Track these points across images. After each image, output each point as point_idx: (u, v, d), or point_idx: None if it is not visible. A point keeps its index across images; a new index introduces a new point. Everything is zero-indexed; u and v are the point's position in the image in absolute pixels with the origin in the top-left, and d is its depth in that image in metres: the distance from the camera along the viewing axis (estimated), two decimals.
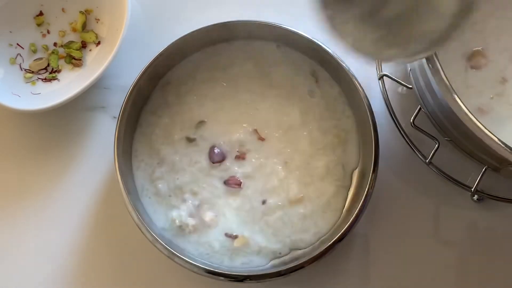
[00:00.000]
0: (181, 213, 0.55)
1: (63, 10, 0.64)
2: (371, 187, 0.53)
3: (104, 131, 0.62)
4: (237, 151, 0.58)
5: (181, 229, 0.55)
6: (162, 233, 0.55)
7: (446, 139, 0.57)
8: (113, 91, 0.63)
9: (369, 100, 0.55)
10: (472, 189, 0.56)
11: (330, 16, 0.44)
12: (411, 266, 0.58)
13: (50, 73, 0.62)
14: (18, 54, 0.62)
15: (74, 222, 0.59)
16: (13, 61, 0.62)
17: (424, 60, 0.49)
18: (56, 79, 0.62)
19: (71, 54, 0.63)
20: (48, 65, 0.63)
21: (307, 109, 0.59)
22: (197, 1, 0.66)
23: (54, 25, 0.64)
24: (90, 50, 0.63)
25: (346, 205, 0.56)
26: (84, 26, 0.64)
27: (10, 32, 0.63)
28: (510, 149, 0.46)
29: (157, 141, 0.58)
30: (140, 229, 0.52)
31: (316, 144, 0.58)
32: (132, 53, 0.63)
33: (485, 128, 0.46)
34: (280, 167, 0.57)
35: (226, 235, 0.55)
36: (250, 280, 0.51)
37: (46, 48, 0.63)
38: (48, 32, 0.64)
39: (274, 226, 0.55)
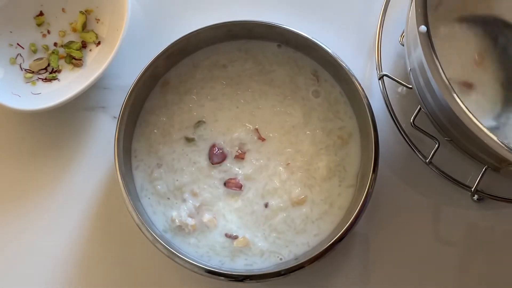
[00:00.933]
0: (181, 214, 0.55)
1: (63, 10, 0.64)
2: (371, 187, 0.53)
3: (104, 131, 0.62)
4: (237, 151, 0.58)
5: (181, 229, 0.55)
6: (161, 233, 0.55)
7: (446, 139, 0.57)
8: (113, 91, 0.63)
9: (369, 100, 0.55)
10: (472, 189, 0.56)
11: None
12: (411, 266, 0.58)
13: (50, 73, 0.62)
14: (18, 54, 0.63)
15: (74, 222, 0.59)
16: (13, 61, 0.62)
17: (424, 60, 0.49)
18: (56, 79, 0.62)
19: (71, 54, 0.63)
20: (48, 65, 0.63)
21: (311, 109, 0.59)
22: (197, 1, 0.66)
23: (54, 25, 0.64)
24: (90, 50, 0.63)
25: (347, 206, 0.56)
26: (84, 26, 0.64)
27: (10, 32, 0.63)
28: (510, 149, 0.46)
29: (155, 141, 0.58)
30: (140, 229, 0.52)
31: (318, 145, 0.58)
32: (132, 53, 0.63)
33: (485, 128, 0.46)
34: (281, 168, 0.57)
35: (226, 235, 0.55)
36: (250, 280, 0.51)
37: (46, 48, 0.63)
38: (48, 32, 0.64)
39: (277, 230, 0.55)
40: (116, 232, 0.59)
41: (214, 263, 0.54)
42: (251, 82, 0.60)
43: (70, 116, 0.62)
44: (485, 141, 0.47)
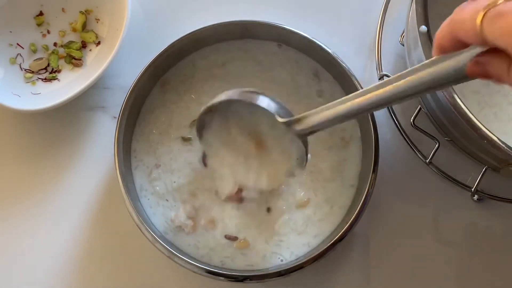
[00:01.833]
0: (180, 215, 0.55)
1: (63, 10, 0.64)
2: (371, 187, 0.53)
3: (104, 131, 0.62)
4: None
5: (180, 229, 0.55)
6: (161, 234, 0.55)
7: (446, 139, 0.57)
8: (113, 91, 0.63)
9: None
10: (472, 189, 0.56)
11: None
12: (411, 266, 0.58)
13: (50, 73, 0.62)
14: (18, 54, 0.62)
15: (74, 222, 0.59)
16: (13, 61, 0.62)
17: (424, 60, 0.49)
18: (56, 79, 0.62)
19: (71, 54, 0.63)
20: (48, 65, 0.63)
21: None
22: (197, 1, 0.66)
23: (54, 25, 0.64)
24: (90, 50, 0.63)
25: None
26: (84, 26, 0.64)
27: (10, 32, 0.63)
28: (510, 149, 0.46)
29: (154, 141, 0.58)
30: (140, 229, 0.52)
31: (321, 145, 0.57)
32: (132, 53, 0.63)
33: (485, 128, 0.46)
34: None
35: (226, 237, 0.55)
36: (250, 280, 0.51)
37: (46, 48, 0.63)
38: (48, 32, 0.64)
39: (279, 233, 0.55)
40: (116, 232, 0.59)
41: (215, 264, 0.54)
42: (252, 82, 0.59)
43: (70, 116, 0.62)
44: (485, 141, 0.47)
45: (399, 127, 0.58)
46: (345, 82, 0.57)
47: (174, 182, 0.57)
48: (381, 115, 0.59)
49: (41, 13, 0.64)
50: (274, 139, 0.49)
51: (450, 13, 0.34)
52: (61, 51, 0.63)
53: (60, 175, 0.61)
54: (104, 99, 0.63)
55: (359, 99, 0.41)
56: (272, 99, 0.46)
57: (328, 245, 0.51)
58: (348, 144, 0.57)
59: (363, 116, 0.55)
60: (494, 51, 0.32)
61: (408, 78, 0.37)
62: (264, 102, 0.46)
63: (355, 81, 0.55)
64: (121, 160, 0.54)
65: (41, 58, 0.63)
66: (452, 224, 0.59)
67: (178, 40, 0.57)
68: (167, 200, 0.56)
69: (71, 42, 0.63)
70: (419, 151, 0.58)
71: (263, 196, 0.56)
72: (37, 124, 0.62)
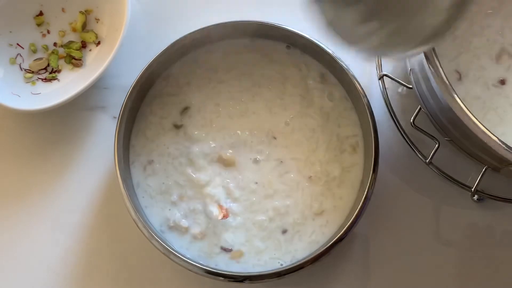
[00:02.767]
0: (175, 214, 0.55)
1: (63, 10, 0.64)
2: (371, 187, 0.53)
3: (104, 131, 0.62)
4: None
5: (176, 229, 0.55)
6: (159, 232, 0.54)
7: (446, 139, 0.57)
8: (113, 91, 0.63)
9: (369, 100, 0.55)
10: (472, 189, 0.56)
11: (323, 11, 0.42)
12: (411, 266, 0.58)
13: (50, 73, 0.62)
14: (18, 54, 0.62)
15: (73, 222, 0.59)
16: (13, 61, 0.62)
17: (424, 60, 0.49)
18: (56, 79, 0.62)
19: (71, 54, 0.63)
20: (48, 65, 0.63)
21: (327, 112, 0.58)
22: (197, 1, 0.66)
23: (54, 25, 0.64)
24: (90, 50, 0.63)
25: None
26: (84, 26, 0.64)
27: (10, 32, 0.62)
28: (510, 149, 0.46)
29: (152, 140, 0.58)
30: (137, 225, 0.52)
31: (333, 151, 0.57)
32: (132, 53, 0.63)
33: (485, 128, 0.46)
34: (293, 175, 0.56)
35: (222, 248, 0.54)
36: (250, 280, 0.51)
37: (46, 48, 0.63)
38: (48, 32, 0.64)
39: (286, 243, 0.54)
40: (116, 232, 0.59)
41: (211, 265, 0.54)
42: (256, 83, 0.59)
43: (70, 116, 0.62)
44: (485, 141, 0.47)
45: (399, 127, 0.58)
46: (346, 83, 0.57)
47: (170, 183, 0.56)
48: (381, 115, 0.59)
49: (41, 13, 0.64)
50: None
51: None
52: (61, 51, 0.63)
53: (60, 175, 0.61)
54: (104, 99, 0.63)
55: None
56: None
57: (328, 245, 0.51)
58: (357, 149, 0.57)
59: (362, 115, 0.55)
60: None
61: None
62: None
63: (355, 81, 0.55)
64: (121, 160, 0.54)
65: (41, 58, 0.63)
66: (452, 224, 0.59)
67: (178, 40, 0.57)
68: (165, 199, 0.56)
69: (71, 42, 0.63)
70: (419, 151, 0.58)
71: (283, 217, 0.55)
72: (37, 124, 0.62)
